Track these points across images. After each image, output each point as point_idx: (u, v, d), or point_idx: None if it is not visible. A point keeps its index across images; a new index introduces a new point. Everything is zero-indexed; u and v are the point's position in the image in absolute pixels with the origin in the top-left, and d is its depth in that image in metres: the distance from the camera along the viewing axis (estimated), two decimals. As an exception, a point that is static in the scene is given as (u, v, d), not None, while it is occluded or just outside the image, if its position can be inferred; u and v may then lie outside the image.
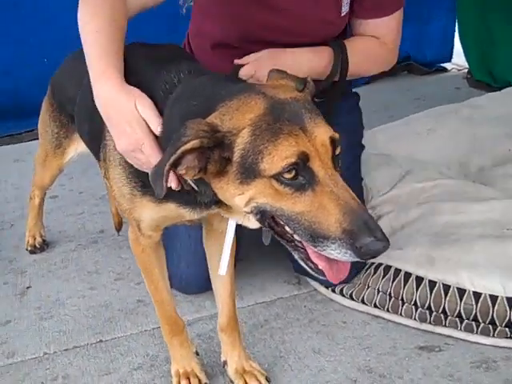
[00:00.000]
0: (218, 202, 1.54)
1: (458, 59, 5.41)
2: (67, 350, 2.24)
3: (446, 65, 5.48)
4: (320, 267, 1.44)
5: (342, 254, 1.34)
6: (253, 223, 1.52)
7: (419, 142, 3.18)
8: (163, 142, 1.56)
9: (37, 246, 2.87)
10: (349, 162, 2.36)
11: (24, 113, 4.38)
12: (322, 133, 1.37)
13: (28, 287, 2.63)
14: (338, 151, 1.41)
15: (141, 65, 1.74)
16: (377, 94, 4.72)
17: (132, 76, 1.69)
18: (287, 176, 1.34)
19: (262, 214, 1.43)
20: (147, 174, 1.49)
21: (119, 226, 2.88)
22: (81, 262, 2.81)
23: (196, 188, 1.53)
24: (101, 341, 2.27)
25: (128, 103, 1.60)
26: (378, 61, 2.38)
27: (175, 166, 1.38)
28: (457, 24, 5.24)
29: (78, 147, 2.40)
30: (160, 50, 1.85)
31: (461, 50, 5.21)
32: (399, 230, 2.52)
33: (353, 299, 2.34)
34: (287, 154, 1.33)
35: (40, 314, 2.44)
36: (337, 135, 1.40)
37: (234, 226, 1.71)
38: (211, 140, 1.36)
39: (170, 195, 1.61)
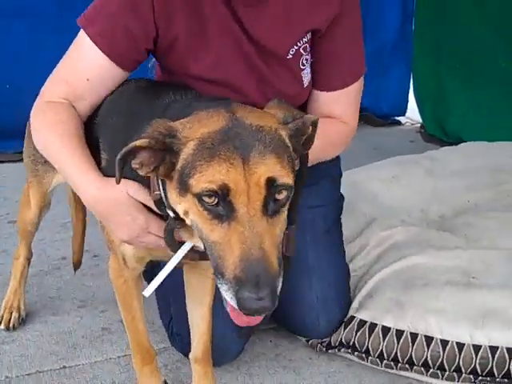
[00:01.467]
0: (182, 221, 1.48)
1: (412, 114, 5.61)
2: (30, 375, 2.20)
3: (401, 118, 5.67)
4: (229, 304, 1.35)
5: (229, 298, 1.30)
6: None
7: (381, 189, 3.26)
8: None
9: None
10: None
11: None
12: (262, 171, 1.31)
13: (-11, 310, 2.57)
14: (280, 196, 1.34)
15: (152, 88, 1.87)
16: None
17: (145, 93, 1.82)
18: (207, 200, 1.31)
19: None
20: None
21: (78, 265, 2.72)
22: (43, 287, 2.77)
23: (162, 193, 1.51)
24: (64, 367, 2.25)
25: (119, 193, 1.64)
26: (338, 143, 2.20)
27: (133, 157, 1.40)
28: (412, 79, 5.45)
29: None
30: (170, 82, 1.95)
31: (415, 106, 5.41)
32: (367, 276, 2.50)
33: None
34: (212, 178, 1.30)
35: (1, 338, 2.39)
36: (282, 179, 1.33)
37: (185, 251, 1.61)
38: (159, 143, 1.37)
39: None
